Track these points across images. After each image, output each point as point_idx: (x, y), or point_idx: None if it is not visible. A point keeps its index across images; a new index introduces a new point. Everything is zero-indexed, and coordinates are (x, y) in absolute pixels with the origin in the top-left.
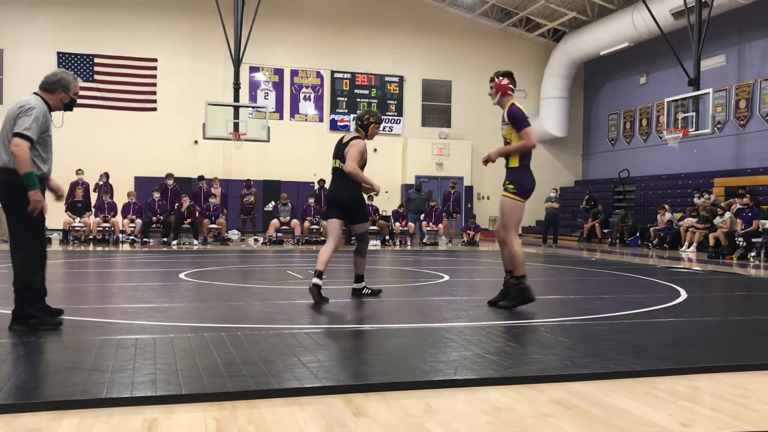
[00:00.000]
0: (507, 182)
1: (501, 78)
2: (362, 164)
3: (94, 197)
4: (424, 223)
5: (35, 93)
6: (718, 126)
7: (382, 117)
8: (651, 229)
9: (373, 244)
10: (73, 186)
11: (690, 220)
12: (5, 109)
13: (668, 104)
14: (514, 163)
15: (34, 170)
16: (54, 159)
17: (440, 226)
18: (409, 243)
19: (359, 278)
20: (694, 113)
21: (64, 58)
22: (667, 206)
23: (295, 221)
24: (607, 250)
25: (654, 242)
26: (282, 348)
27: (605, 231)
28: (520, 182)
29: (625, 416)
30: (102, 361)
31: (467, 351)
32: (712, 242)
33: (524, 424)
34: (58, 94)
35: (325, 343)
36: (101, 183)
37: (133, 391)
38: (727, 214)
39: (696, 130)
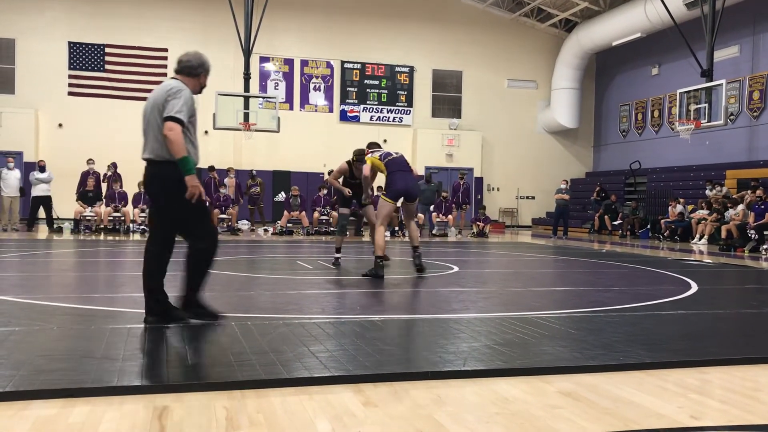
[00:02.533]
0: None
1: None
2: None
3: (104, 187)
4: (433, 214)
5: (174, 78)
6: (731, 117)
7: (392, 108)
8: (662, 221)
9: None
10: (84, 176)
11: (701, 213)
12: (16, 99)
13: (680, 95)
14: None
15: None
16: (65, 148)
17: (450, 217)
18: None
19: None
20: (706, 104)
21: (75, 48)
22: (681, 200)
23: (303, 213)
24: (618, 242)
25: (665, 234)
26: (291, 338)
27: (615, 223)
28: (389, 187)
29: (634, 408)
30: (113, 350)
31: (476, 342)
32: (723, 234)
33: (533, 415)
34: (201, 78)
35: (334, 333)
36: (109, 173)
37: (144, 379)
38: (740, 207)
39: (708, 122)
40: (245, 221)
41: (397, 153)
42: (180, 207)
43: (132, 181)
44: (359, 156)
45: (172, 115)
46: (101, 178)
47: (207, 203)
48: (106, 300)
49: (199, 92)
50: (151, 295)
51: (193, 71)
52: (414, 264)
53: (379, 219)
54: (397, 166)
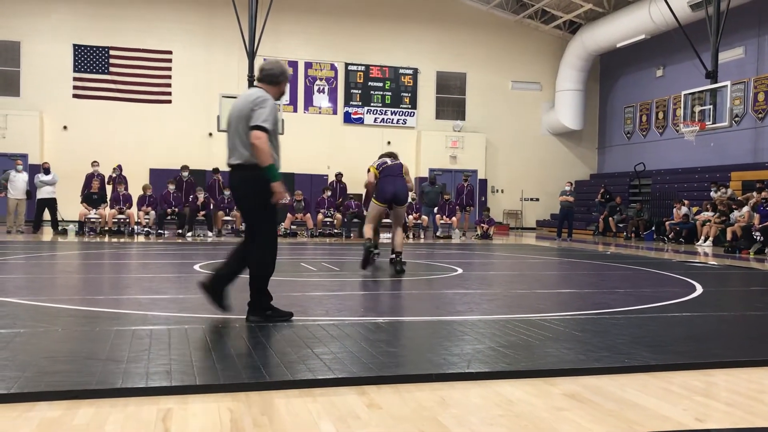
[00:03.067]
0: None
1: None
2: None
3: (109, 189)
4: (437, 216)
5: (255, 86)
6: (736, 119)
7: (396, 110)
8: (667, 223)
9: (387, 237)
10: (89, 178)
11: (706, 214)
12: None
13: (685, 97)
14: None
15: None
16: (69, 151)
17: (454, 219)
18: (422, 236)
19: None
20: (711, 106)
21: (79, 51)
22: (686, 201)
23: (307, 215)
24: (622, 244)
25: (670, 236)
26: (295, 340)
27: (620, 225)
28: (379, 191)
29: (639, 410)
30: (117, 352)
31: (480, 344)
32: (729, 236)
33: (537, 417)
34: (282, 86)
35: (338, 335)
36: (114, 175)
37: (148, 381)
38: (745, 209)
39: (713, 124)
40: None
41: (394, 161)
42: (257, 210)
43: (136, 183)
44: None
45: (258, 124)
46: (106, 180)
47: (212, 205)
48: (110, 302)
49: (279, 99)
50: (257, 294)
51: (275, 79)
52: (395, 269)
53: (368, 218)
54: (388, 172)
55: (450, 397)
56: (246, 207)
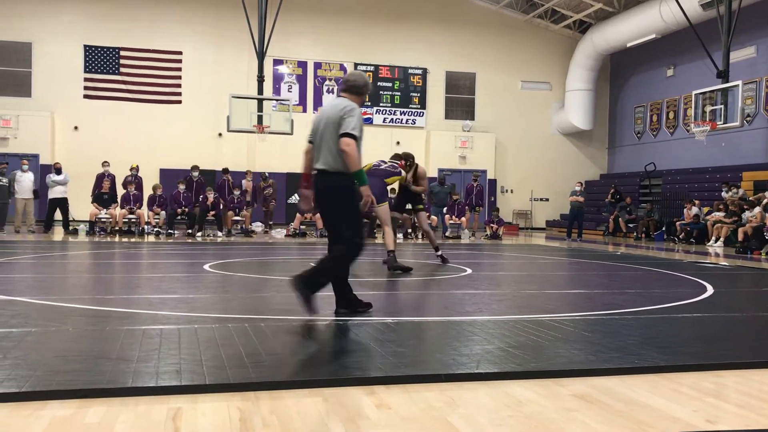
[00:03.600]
0: None
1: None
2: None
3: (119, 189)
4: (446, 216)
5: (341, 96)
6: (748, 119)
7: (405, 110)
8: (677, 223)
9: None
10: (100, 178)
11: (717, 215)
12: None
13: (696, 97)
14: None
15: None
16: (80, 151)
17: (463, 219)
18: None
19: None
20: (722, 106)
21: (90, 51)
22: (697, 202)
23: (317, 215)
24: (633, 245)
25: (680, 237)
26: (305, 339)
27: (630, 225)
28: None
29: (649, 411)
30: (128, 351)
31: (490, 345)
32: (740, 237)
33: (547, 418)
34: (364, 96)
35: (347, 335)
36: (131, 176)
37: (158, 380)
38: (757, 209)
39: (724, 123)
40: (259, 223)
41: (385, 162)
42: (342, 212)
43: (147, 183)
44: (409, 160)
45: (348, 131)
46: (116, 180)
47: (221, 205)
48: (120, 301)
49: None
50: (339, 289)
51: (359, 90)
52: (384, 262)
53: None
54: (371, 173)
55: (459, 397)
56: (330, 210)
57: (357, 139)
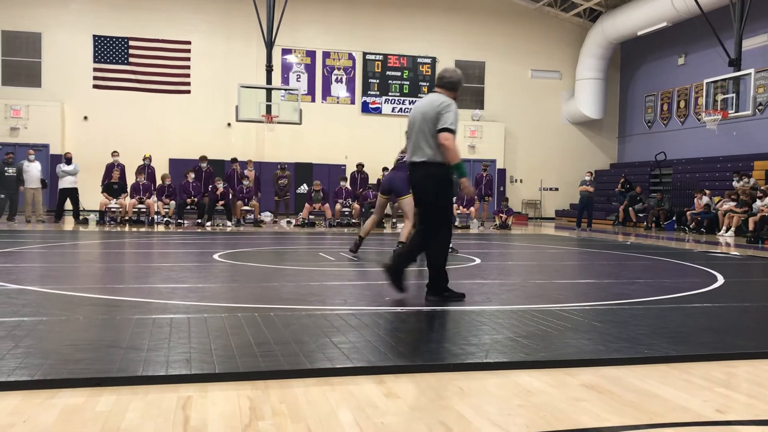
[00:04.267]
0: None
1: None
2: None
3: (129, 178)
4: (455, 206)
5: (435, 92)
6: (760, 108)
7: (415, 100)
8: (688, 213)
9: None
10: (109, 168)
11: (729, 204)
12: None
13: (707, 85)
14: None
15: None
16: (90, 141)
17: (472, 209)
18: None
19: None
20: (734, 94)
21: (99, 42)
22: (707, 191)
23: (326, 205)
24: (643, 234)
25: (691, 226)
26: (314, 329)
27: (641, 215)
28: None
29: (659, 401)
30: (138, 340)
31: (499, 334)
32: (751, 226)
33: (556, 407)
34: (458, 92)
35: (356, 325)
36: (144, 165)
37: (168, 369)
38: None
39: (736, 112)
40: (268, 213)
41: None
42: (437, 202)
43: (156, 172)
44: None
45: (447, 126)
46: (126, 170)
47: (231, 195)
48: (131, 291)
49: None
50: (435, 277)
51: (454, 86)
52: (350, 248)
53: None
54: (397, 166)
55: (468, 386)
56: (427, 201)
57: (454, 133)
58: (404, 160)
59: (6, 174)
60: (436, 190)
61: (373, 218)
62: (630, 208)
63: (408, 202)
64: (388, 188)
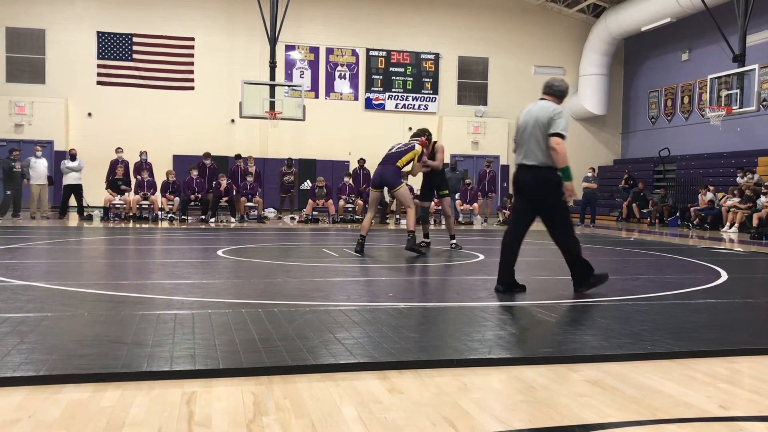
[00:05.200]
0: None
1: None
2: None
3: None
4: (458, 202)
5: (544, 99)
6: (764, 103)
7: (418, 96)
8: (692, 209)
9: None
10: (113, 164)
11: (733, 200)
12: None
13: (711, 81)
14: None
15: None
16: (94, 137)
17: (475, 205)
18: (443, 222)
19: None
20: (738, 90)
21: (103, 38)
22: (711, 187)
23: (329, 201)
24: (646, 231)
25: (694, 222)
26: (317, 324)
27: (644, 211)
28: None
29: (662, 397)
30: (142, 336)
31: (502, 330)
32: (755, 222)
33: (559, 403)
34: (564, 99)
35: (359, 321)
36: (140, 161)
37: (173, 365)
38: None
39: (740, 108)
40: (271, 209)
41: (399, 145)
42: (553, 202)
43: (160, 169)
44: (426, 134)
45: (559, 131)
46: (130, 166)
47: (234, 191)
48: (135, 287)
49: None
50: (505, 268)
51: (562, 95)
52: (354, 250)
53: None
54: (384, 159)
55: (471, 382)
56: (538, 201)
57: (564, 138)
58: (392, 150)
59: (13, 170)
60: (545, 192)
61: (368, 214)
62: (633, 204)
63: (403, 191)
64: (379, 182)
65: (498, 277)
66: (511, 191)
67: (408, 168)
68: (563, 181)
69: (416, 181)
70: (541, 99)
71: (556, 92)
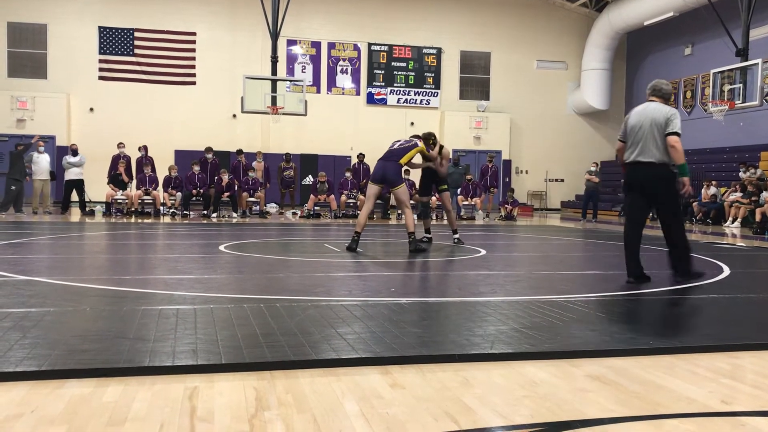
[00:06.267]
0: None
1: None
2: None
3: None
4: (460, 197)
5: (652, 101)
6: (767, 98)
7: (420, 91)
8: (694, 203)
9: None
10: (115, 159)
11: (735, 195)
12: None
13: (714, 76)
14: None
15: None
16: (96, 132)
17: (477, 200)
18: (445, 217)
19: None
20: (741, 85)
21: (105, 33)
22: (714, 182)
23: (331, 196)
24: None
25: (697, 217)
26: (319, 319)
27: None
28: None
29: (664, 392)
30: (144, 331)
31: (504, 325)
32: (758, 217)
33: (561, 398)
34: (669, 101)
35: (361, 315)
36: (142, 156)
37: (175, 360)
38: None
39: (743, 103)
40: (273, 204)
41: (399, 142)
42: (669, 196)
43: (162, 164)
44: (431, 139)
45: (676, 131)
46: (132, 161)
47: (236, 186)
48: (137, 282)
49: None
50: (633, 259)
51: (668, 96)
52: (347, 247)
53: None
54: (385, 157)
55: (473, 377)
56: (657, 196)
57: (680, 136)
58: (393, 147)
59: (18, 164)
60: (662, 187)
61: (365, 209)
62: None
63: (402, 191)
64: (381, 178)
65: (628, 271)
66: (623, 188)
67: (418, 160)
68: (680, 176)
69: (415, 175)
70: (650, 101)
71: (664, 94)
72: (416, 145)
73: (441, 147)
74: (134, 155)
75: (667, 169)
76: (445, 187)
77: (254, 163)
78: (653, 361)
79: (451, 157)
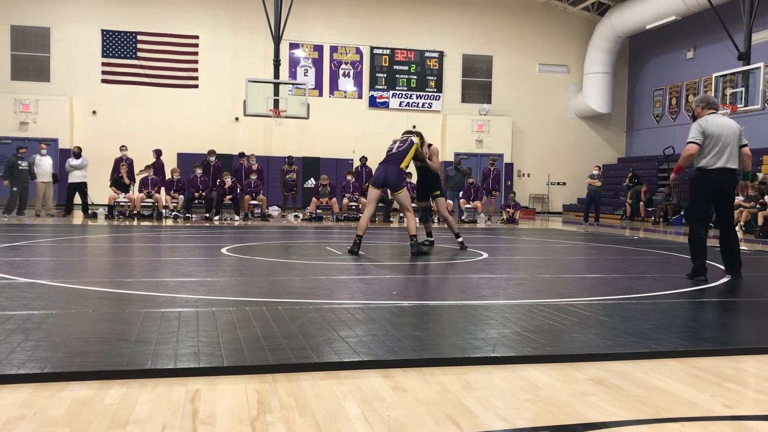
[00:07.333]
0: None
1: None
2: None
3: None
4: (462, 200)
5: (713, 113)
6: None
7: (422, 94)
8: None
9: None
10: (117, 162)
11: (738, 199)
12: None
13: (716, 79)
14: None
15: None
16: (99, 135)
17: (478, 203)
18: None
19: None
20: (743, 88)
21: (108, 36)
22: None
23: (333, 199)
24: (651, 229)
25: None
26: (321, 323)
27: (649, 209)
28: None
29: (666, 396)
30: (146, 333)
31: (506, 329)
32: (760, 221)
33: (563, 402)
34: (704, 110)
35: (363, 319)
36: (155, 160)
37: (177, 362)
38: None
39: (745, 106)
40: (275, 207)
41: (397, 144)
42: (732, 199)
43: (164, 167)
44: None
45: (746, 143)
46: (134, 164)
47: (238, 189)
48: (139, 284)
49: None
50: (703, 259)
51: (713, 106)
52: (348, 250)
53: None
54: (386, 158)
55: (475, 380)
56: (728, 200)
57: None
58: (392, 151)
59: (19, 167)
60: (733, 193)
61: (366, 213)
62: (641, 203)
63: (404, 195)
64: (383, 182)
65: (700, 270)
66: (705, 192)
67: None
68: (743, 180)
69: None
70: (713, 113)
71: (713, 105)
72: (413, 143)
73: (429, 145)
74: (137, 158)
75: (735, 176)
76: (438, 192)
77: (251, 166)
78: (655, 364)
79: (441, 159)
